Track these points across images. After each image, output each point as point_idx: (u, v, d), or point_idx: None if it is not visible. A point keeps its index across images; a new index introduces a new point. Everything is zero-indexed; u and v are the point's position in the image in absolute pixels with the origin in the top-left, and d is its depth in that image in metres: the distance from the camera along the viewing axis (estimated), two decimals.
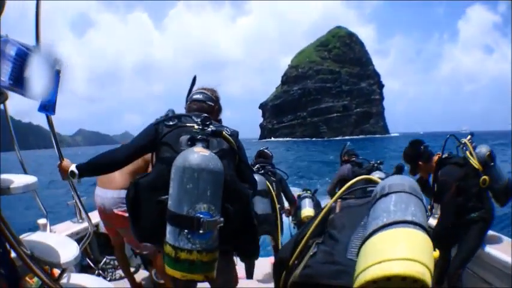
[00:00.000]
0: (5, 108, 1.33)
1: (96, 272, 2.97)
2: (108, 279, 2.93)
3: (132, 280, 2.67)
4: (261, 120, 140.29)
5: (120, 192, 2.14)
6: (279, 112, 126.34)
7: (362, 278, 0.84)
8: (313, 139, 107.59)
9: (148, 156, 1.67)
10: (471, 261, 2.33)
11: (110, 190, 2.19)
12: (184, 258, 1.24)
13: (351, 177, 2.74)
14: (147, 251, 2.30)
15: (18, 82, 1.10)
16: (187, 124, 1.46)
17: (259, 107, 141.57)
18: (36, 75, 1.13)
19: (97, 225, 3.26)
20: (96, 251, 3.28)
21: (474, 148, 2.38)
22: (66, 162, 1.50)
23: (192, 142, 1.38)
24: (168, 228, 1.27)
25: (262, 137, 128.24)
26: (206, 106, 1.66)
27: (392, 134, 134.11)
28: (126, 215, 1.88)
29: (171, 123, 1.47)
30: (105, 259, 3.13)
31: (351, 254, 0.97)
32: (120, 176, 2.16)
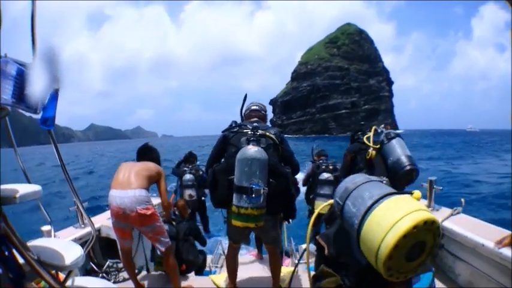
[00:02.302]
0: (5, 122, 1.40)
1: (100, 275, 3.06)
2: (112, 281, 3.01)
3: (137, 284, 2.76)
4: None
5: (140, 191, 2.42)
6: (288, 108, 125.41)
7: (397, 232, 0.94)
8: (321, 135, 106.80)
9: (155, 175, 2.61)
10: (470, 254, 2.42)
11: (131, 190, 2.40)
12: (243, 213, 2.05)
13: (313, 173, 4.00)
14: (164, 246, 2.55)
15: (20, 99, 1.18)
16: (244, 130, 2.25)
17: (270, 103, 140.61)
18: (36, 93, 1.20)
19: (99, 230, 3.35)
20: (99, 255, 3.39)
21: (381, 133, 2.82)
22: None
23: (248, 141, 2.16)
24: (234, 195, 2.09)
25: None
26: (261, 114, 2.52)
27: (398, 131, 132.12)
28: (149, 212, 2.41)
29: (234, 130, 2.28)
30: (108, 262, 3.23)
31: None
32: (136, 179, 2.47)
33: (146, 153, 2.82)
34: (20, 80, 1.19)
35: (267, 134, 2.22)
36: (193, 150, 5.73)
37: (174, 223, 3.21)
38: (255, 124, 2.27)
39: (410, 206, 0.98)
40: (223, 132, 2.33)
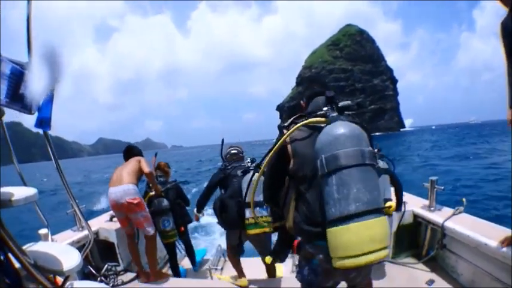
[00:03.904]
0: (1, 124, 1.38)
1: (99, 278, 3.02)
2: (111, 285, 2.98)
3: (139, 266, 3.19)
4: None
5: (128, 185, 2.94)
6: (295, 113, 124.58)
7: (338, 263, 1.18)
8: None
9: (138, 163, 3.12)
10: (472, 253, 2.42)
11: (120, 186, 2.93)
12: (261, 221, 2.45)
13: None
14: (149, 233, 3.08)
15: (14, 99, 1.15)
16: (238, 165, 2.88)
17: (276, 109, 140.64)
18: (31, 92, 1.17)
19: (96, 233, 3.35)
20: (97, 258, 3.36)
21: None
22: (196, 216, 3.24)
23: (245, 172, 2.76)
24: (246, 211, 2.65)
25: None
26: (240, 156, 3.11)
27: (407, 129, 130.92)
28: (136, 202, 2.93)
29: (229, 166, 2.89)
30: (106, 266, 3.18)
31: (328, 215, 1.20)
32: (126, 176, 2.99)
33: (130, 152, 3.38)
34: (15, 79, 1.16)
35: (259, 165, 2.67)
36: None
37: (163, 194, 3.49)
38: (248, 159, 3.02)
39: (380, 243, 1.14)
40: (219, 174, 2.91)
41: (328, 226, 1.19)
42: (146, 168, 3.11)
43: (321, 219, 1.26)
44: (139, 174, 3.13)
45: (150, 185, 3.40)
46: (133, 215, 2.98)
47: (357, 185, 1.15)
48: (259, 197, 2.44)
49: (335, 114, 1.40)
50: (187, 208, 3.82)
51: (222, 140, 3.13)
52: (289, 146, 1.42)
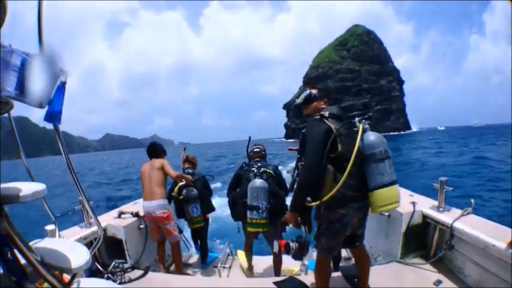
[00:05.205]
0: (9, 117, 1.35)
1: (106, 275, 2.98)
2: (118, 282, 2.93)
3: (164, 269, 3.65)
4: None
5: (159, 201, 3.47)
6: (301, 112, 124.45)
7: (384, 208, 2.05)
8: None
9: (163, 171, 3.55)
10: (480, 254, 2.44)
11: (154, 201, 3.46)
12: (255, 222, 3.11)
13: None
14: (174, 240, 3.61)
15: (24, 92, 1.11)
16: (252, 168, 3.28)
17: (283, 108, 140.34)
18: (41, 85, 1.13)
19: (104, 229, 3.33)
20: (104, 255, 3.32)
21: None
22: None
23: (255, 176, 3.19)
24: (248, 212, 3.11)
25: (287, 136, 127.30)
26: (262, 154, 3.53)
27: (412, 131, 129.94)
28: (165, 215, 3.50)
29: (245, 169, 3.34)
30: (113, 263, 3.16)
31: (382, 181, 2.02)
32: (158, 191, 3.49)
33: (153, 150, 3.77)
34: (25, 71, 1.12)
35: (267, 170, 3.27)
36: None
37: (192, 184, 3.91)
38: (259, 164, 3.33)
39: (398, 198, 2.08)
40: (237, 171, 3.39)
41: (378, 188, 2.01)
42: (173, 174, 3.55)
43: (362, 186, 2.05)
44: (165, 181, 3.60)
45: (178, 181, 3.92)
46: (163, 225, 3.55)
47: (393, 166, 2.06)
48: (257, 203, 3.07)
49: (367, 126, 2.17)
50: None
51: (249, 138, 3.63)
52: (338, 137, 2.05)
